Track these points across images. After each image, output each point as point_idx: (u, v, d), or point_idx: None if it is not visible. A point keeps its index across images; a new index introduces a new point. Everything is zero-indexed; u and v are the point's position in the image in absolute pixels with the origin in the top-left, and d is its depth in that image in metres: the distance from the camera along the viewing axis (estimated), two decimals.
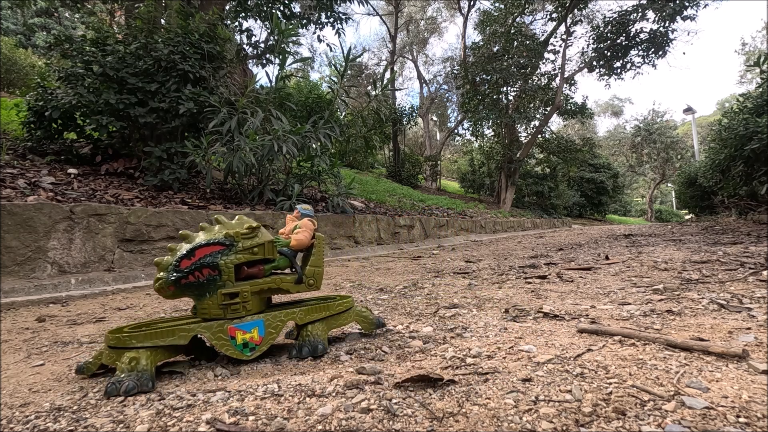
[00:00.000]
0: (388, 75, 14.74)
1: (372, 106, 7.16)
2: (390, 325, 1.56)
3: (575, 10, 13.23)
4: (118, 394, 0.95)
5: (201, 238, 1.12)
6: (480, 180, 16.55)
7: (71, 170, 3.85)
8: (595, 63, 13.71)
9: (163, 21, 5.09)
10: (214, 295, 1.11)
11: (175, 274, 1.08)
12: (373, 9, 16.56)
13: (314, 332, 1.23)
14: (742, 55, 31.01)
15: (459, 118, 18.97)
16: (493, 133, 15.77)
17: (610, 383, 0.91)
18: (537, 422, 0.76)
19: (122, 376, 0.98)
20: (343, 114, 6.60)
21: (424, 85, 22.79)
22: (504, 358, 1.13)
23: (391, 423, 0.78)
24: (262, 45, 7.74)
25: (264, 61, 7.83)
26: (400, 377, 1.00)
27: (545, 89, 13.96)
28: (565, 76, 13.85)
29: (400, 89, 25.31)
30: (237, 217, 1.21)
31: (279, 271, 1.26)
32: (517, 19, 13.50)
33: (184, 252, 1.10)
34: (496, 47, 12.76)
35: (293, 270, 1.27)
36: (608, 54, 13.30)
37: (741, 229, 5.69)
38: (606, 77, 14.07)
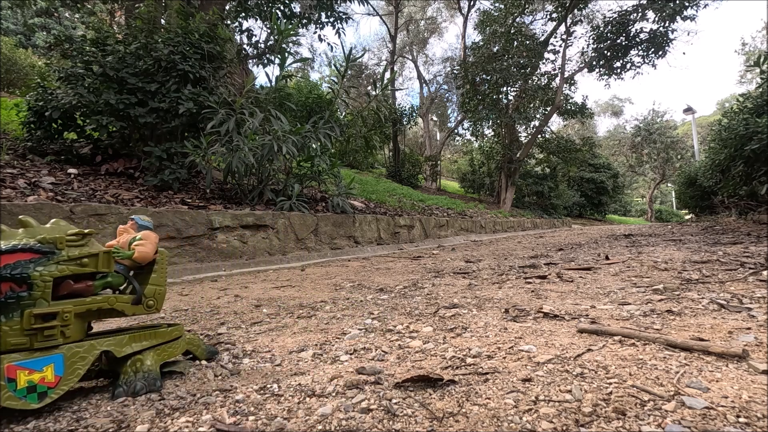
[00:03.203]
0: (388, 75, 14.75)
1: (372, 106, 7.15)
2: (390, 325, 1.56)
3: (575, 10, 13.24)
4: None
5: (2, 242, 0.89)
6: (480, 180, 16.56)
7: (71, 170, 3.85)
8: (595, 63, 13.71)
9: (163, 21, 5.09)
10: (16, 317, 0.85)
11: None
12: (373, 9, 16.56)
13: (146, 363, 0.99)
14: (742, 55, 30.99)
15: (459, 118, 18.97)
16: (493, 133, 15.79)
17: (610, 383, 0.91)
18: (537, 422, 0.76)
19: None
20: (343, 114, 6.60)
21: (424, 85, 22.81)
22: (504, 358, 1.13)
23: (391, 423, 0.78)
24: (262, 45, 7.74)
25: (264, 61, 7.83)
26: (400, 377, 1.00)
27: (545, 89, 13.97)
28: (565, 76, 13.86)
29: (400, 89, 25.34)
30: (53, 220, 0.99)
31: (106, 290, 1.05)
32: (517, 19, 13.50)
33: None
34: (496, 47, 12.77)
35: (128, 288, 1.07)
36: (608, 54, 13.31)
37: (741, 229, 5.69)
38: (606, 77, 14.09)
